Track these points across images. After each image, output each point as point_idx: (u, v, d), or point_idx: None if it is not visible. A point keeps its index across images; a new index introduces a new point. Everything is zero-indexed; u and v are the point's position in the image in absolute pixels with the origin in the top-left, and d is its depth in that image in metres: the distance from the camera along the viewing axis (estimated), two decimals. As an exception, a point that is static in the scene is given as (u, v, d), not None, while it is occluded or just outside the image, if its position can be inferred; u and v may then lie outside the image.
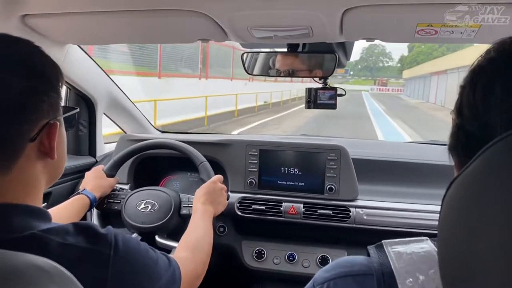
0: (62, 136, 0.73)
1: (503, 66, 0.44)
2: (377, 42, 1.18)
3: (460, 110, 0.47)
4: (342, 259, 0.58)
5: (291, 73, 1.39)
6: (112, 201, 1.36)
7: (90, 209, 1.24)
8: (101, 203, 1.35)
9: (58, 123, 0.69)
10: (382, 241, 0.55)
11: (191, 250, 1.00)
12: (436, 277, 0.47)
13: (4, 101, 0.60)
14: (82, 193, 1.24)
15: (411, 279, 0.47)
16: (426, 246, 0.52)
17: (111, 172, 1.41)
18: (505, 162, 0.31)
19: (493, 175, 0.31)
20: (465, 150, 0.47)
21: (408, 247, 0.52)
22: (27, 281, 0.48)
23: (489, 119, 0.42)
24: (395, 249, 0.52)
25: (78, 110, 0.88)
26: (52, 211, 0.97)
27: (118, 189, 1.47)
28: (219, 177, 1.33)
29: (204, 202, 1.20)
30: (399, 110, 25.42)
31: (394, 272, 0.48)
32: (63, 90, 1.68)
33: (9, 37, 0.67)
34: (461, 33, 0.98)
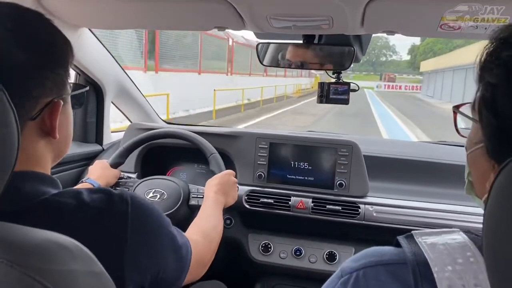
0: (67, 115, 0.71)
1: None
2: (380, 34, 1.15)
3: (495, 110, 0.44)
4: (370, 249, 0.56)
5: (304, 65, 1.38)
6: (121, 189, 1.34)
7: None
8: None
9: (62, 102, 0.66)
10: (412, 231, 0.54)
11: (202, 235, 0.97)
12: (473, 268, 0.45)
13: (4, 74, 0.57)
14: (86, 182, 1.23)
15: (448, 272, 0.45)
16: (459, 237, 0.50)
17: (120, 160, 1.39)
18: None
19: None
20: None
21: (441, 238, 0.51)
22: (49, 258, 0.46)
23: None
24: (427, 240, 0.51)
25: (87, 88, 0.85)
26: None
27: (125, 177, 1.45)
28: (232, 172, 1.31)
29: (217, 191, 1.19)
30: (432, 122, 15.06)
31: (429, 262, 0.47)
32: (72, 76, 1.67)
33: (18, 7, 0.64)
34: (486, 28, 0.96)
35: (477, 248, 0.47)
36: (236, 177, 1.56)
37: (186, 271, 0.79)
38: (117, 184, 1.36)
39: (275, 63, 1.41)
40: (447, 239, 0.50)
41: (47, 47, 0.64)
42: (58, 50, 0.66)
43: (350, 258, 0.57)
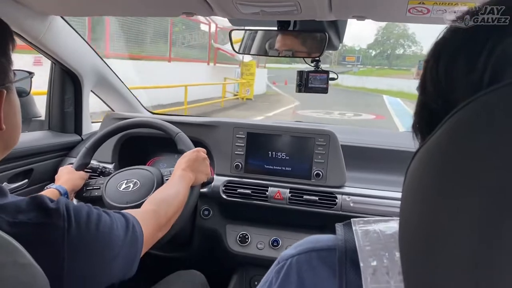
0: (12, 104, 0.69)
1: (465, 37, 0.39)
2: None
3: (424, 86, 0.44)
4: (310, 237, 0.56)
5: (278, 53, 1.34)
6: (91, 188, 1.32)
7: None
8: (80, 192, 1.31)
9: (5, 91, 0.64)
10: (352, 219, 0.53)
11: (157, 203, 0.97)
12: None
13: None
14: (51, 187, 1.20)
15: (375, 259, 0.45)
16: (395, 225, 0.50)
17: (84, 161, 1.36)
18: (480, 121, 0.27)
19: (467, 136, 0.27)
20: (428, 128, 0.43)
21: (376, 226, 0.50)
22: None
23: (452, 94, 0.39)
24: (363, 227, 0.50)
25: (33, 74, 0.83)
26: None
27: (101, 167, 1.43)
28: (202, 148, 1.29)
29: (185, 168, 1.17)
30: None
31: (358, 249, 0.46)
32: (48, 64, 1.64)
33: None
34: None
35: None
36: (213, 166, 1.54)
37: (140, 250, 0.79)
38: (87, 185, 1.33)
39: (246, 51, 1.38)
40: (382, 227, 0.50)
41: None
42: None
43: (291, 246, 0.56)
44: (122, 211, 0.82)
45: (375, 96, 23.03)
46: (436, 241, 0.28)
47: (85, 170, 1.37)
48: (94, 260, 0.67)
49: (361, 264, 0.45)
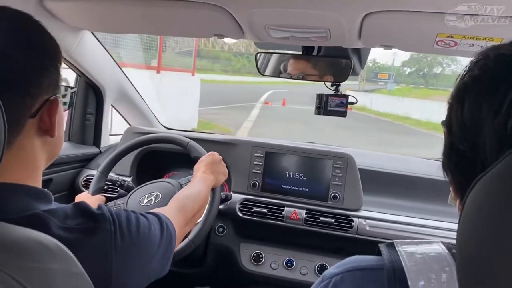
0: (61, 114, 0.72)
1: (487, 86, 0.43)
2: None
3: (449, 127, 0.48)
4: (353, 257, 0.58)
5: (303, 77, 1.38)
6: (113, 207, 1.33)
7: None
8: None
9: (59, 100, 0.69)
10: (394, 240, 0.55)
11: (181, 200, 1.01)
12: (448, 281, 0.46)
13: (5, 74, 0.59)
14: None
15: (422, 279, 0.47)
16: (438, 247, 0.52)
17: (99, 185, 1.36)
18: None
19: None
20: (457, 169, 0.47)
21: (419, 247, 0.52)
22: (29, 256, 0.46)
23: (478, 138, 0.42)
24: (406, 249, 0.52)
25: (75, 89, 0.87)
26: None
27: (120, 181, 1.45)
28: (214, 152, 1.31)
29: (205, 171, 1.20)
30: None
31: (405, 270, 0.48)
32: (73, 77, 1.68)
33: (10, 10, 0.66)
34: (482, 46, 0.96)
35: (453, 259, 0.48)
36: (229, 184, 1.56)
37: (174, 247, 0.83)
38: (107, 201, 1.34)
39: (275, 74, 1.42)
40: (426, 249, 0.52)
41: (42, 48, 0.66)
42: (52, 50, 0.68)
43: (333, 266, 0.58)
44: (152, 210, 0.85)
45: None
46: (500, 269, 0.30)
47: (106, 184, 1.39)
48: (137, 261, 0.70)
49: (410, 283, 0.46)
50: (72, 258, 0.53)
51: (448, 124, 0.48)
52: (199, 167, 1.22)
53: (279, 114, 15.70)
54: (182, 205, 0.98)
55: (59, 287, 0.49)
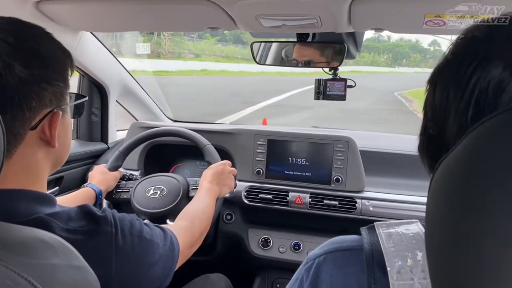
0: (66, 124, 0.73)
1: (455, 71, 0.43)
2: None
3: (425, 110, 0.49)
4: (335, 238, 0.60)
5: (299, 63, 1.40)
6: (121, 190, 1.38)
7: (97, 201, 1.27)
8: (110, 194, 1.38)
9: (61, 112, 0.69)
10: (374, 223, 0.57)
11: (190, 219, 1.02)
12: (424, 259, 0.48)
13: (6, 87, 0.59)
14: (87, 186, 1.26)
15: (399, 260, 0.48)
16: (416, 227, 0.53)
17: (117, 163, 1.42)
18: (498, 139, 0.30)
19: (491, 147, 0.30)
20: (428, 153, 0.48)
21: (399, 228, 0.54)
22: (31, 253, 0.49)
23: (446, 123, 0.43)
24: (386, 230, 0.54)
25: (86, 98, 0.89)
26: (59, 200, 1.01)
27: (128, 175, 1.49)
28: (228, 161, 1.34)
29: (211, 181, 1.22)
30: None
31: (383, 251, 0.50)
32: (76, 77, 1.72)
33: (20, 22, 0.66)
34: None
35: None
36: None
37: (176, 260, 0.84)
38: (117, 187, 1.40)
39: (262, 61, 1.44)
40: (403, 229, 0.53)
41: (47, 62, 0.66)
42: (58, 63, 0.69)
43: (317, 247, 0.61)
44: (162, 225, 0.87)
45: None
46: (463, 242, 0.32)
47: None
48: (137, 265, 0.72)
49: (387, 264, 0.48)
50: (75, 253, 0.56)
51: (424, 107, 0.49)
52: (207, 176, 1.25)
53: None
54: (189, 225, 0.99)
55: (62, 280, 0.52)
